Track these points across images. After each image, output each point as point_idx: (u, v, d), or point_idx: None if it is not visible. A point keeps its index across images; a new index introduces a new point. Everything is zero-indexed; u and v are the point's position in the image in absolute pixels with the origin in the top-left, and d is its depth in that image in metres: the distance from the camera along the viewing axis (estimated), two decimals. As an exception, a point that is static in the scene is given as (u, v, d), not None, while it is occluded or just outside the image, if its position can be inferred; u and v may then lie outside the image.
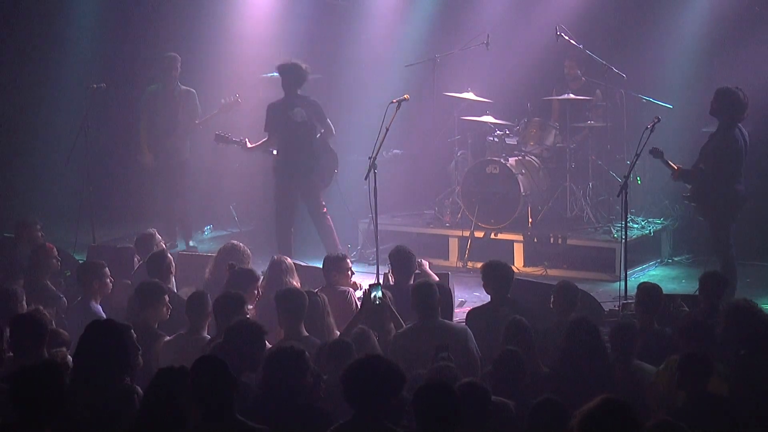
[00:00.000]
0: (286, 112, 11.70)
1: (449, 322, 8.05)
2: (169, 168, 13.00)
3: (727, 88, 10.69)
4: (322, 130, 11.85)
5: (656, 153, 10.48)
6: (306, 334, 7.81)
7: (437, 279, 9.26)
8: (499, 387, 6.60)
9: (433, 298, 7.89)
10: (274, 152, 11.88)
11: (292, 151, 11.75)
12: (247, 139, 11.90)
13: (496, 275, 8.61)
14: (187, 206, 13.25)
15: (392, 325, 8.14)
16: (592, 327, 7.35)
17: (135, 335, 6.58)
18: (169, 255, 9.49)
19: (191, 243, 13.21)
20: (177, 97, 12.91)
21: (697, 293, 8.91)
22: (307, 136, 11.76)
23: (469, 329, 7.90)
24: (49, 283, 9.44)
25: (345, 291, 9.00)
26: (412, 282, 9.04)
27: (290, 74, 11.69)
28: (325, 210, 11.93)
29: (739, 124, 10.64)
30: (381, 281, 9.65)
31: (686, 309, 8.74)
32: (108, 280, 8.82)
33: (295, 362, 6.28)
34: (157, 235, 10.50)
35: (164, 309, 8.13)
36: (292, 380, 6.24)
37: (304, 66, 11.72)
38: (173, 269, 9.34)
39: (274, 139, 11.77)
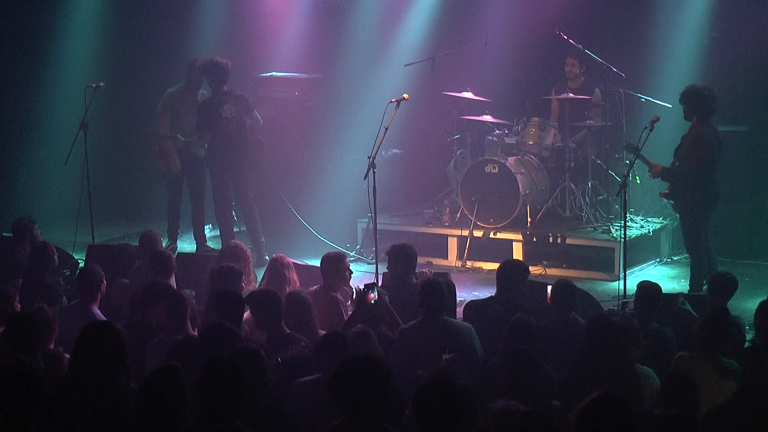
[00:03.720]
0: (216, 110, 12.25)
1: (453, 319, 8.04)
2: (192, 170, 12.93)
3: (692, 86, 10.75)
4: (250, 122, 12.46)
5: (630, 148, 10.58)
6: (288, 331, 7.79)
7: None
8: (511, 387, 6.54)
9: (440, 296, 7.86)
10: (206, 146, 12.57)
11: (223, 148, 12.34)
12: (178, 135, 12.57)
13: (506, 273, 8.62)
14: (203, 206, 13.19)
15: (386, 325, 8.11)
16: (613, 324, 7.34)
17: (125, 333, 6.56)
18: (172, 255, 9.51)
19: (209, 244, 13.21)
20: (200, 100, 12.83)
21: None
22: (236, 132, 12.33)
23: (472, 327, 7.90)
24: (52, 281, 9.45)
25: (335, 295, 8.97)
26: (414, 280, 9.07)
27: (212, 72, 12.23)
28: (252, 202, 12.63)
29: (712, 123, 10.67)
30: (381, 280, 9.67)
31: (689, 307, 8.75)
32: (103, 286, 8.79)
33: (252, 362, 6.23)
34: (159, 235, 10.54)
35: (164, 313, 8.07)
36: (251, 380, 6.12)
37: (224, 62, 12.26)
38: (175, 268, 9.33)
39: (204, 136, 12.42)
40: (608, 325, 7.30)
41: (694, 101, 10.55)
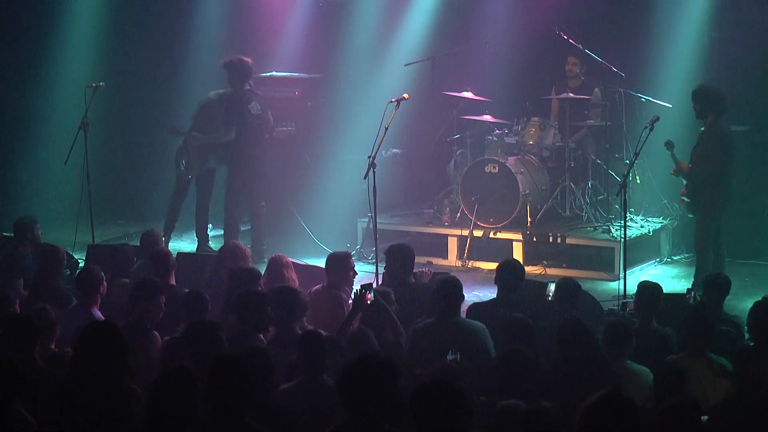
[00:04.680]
0: (245, 106, 12.30)
1: (468, 319, 8.04)
2: (205, 174, 12.91)
3: (704, 86, 10.78)
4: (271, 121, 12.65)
5: (669, 146, 10.66)
6: (299, 332, 7.77)
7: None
8: (505, 387, 6.54)
9: (457, 296, 7.92)
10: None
11: (249, 144, 12.36)
12: (194, 132, 12.44)
13: (505, 274, 8.62)
14: (208, 206, 13.13)
15: (389, 325, 8.11)
16: (584, 328, 7.34)
17: (124, 333, 6.57)
18: (171, 253, 9.51)
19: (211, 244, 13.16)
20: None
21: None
22: (259, 129, 12.42)
23: (486, 328, 7.89)
24: (61, 284, 9.45)
25: (338, 293, 8.97)
26: (412, 279, 9.08)
27: (238, 69, 12.24)
28: (263, 203, 12.65)
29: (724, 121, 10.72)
30: (380, 280, 9.67)
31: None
32: (103, 287, 8.79)
33: (260, 362, 6.22)
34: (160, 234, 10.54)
35: (156, 309, 8.05)
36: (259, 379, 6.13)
37: (248, 60, 12.35)
38: (174, 266, 9.33)
39: (231, 132, 12.34)
40: (576, 327, 7.30)
41: (709, 99, 10.58)
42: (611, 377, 7.05)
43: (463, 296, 8.08)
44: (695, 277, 10.91)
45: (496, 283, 8.72)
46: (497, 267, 8.83)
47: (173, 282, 9.10)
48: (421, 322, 7.98)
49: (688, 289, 9.12)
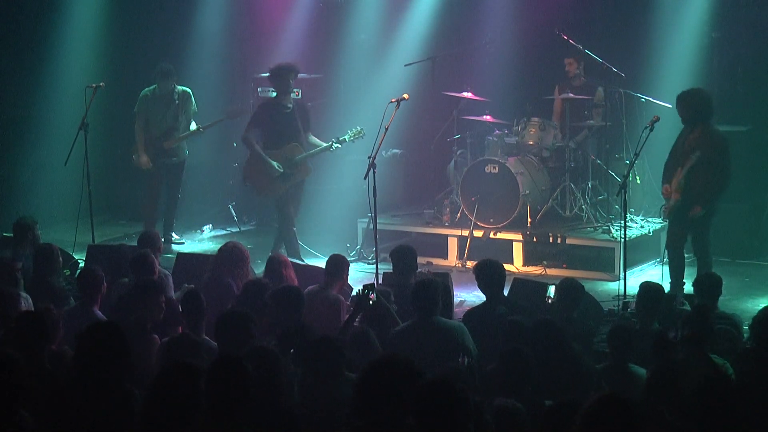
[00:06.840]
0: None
1: (446, 319, 8.01)
2: (173, 170, 12.95)
3: (690, 90, 10.65)
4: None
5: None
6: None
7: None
8: (506, 387, 6.53)
9: (433, 297, 7.82)
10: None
11: None
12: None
13: (490, 274, 8.58)
14: (176, 204, 13.18)
15: (391, 325, 8.12)
16: (555, 330, 7.34)
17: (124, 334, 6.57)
18: (148, 254, 9.48)
19: (178, 238, 13.18)
20: (177, 100, 12.83)
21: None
22: None
23: (464, 326, 7.88)
24: (57, 283, 9.45)
25: (338, 296, 8.96)
26: (413, 280, 9.08)
27: (293, 75, 12.06)
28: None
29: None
30: (381, 280, 9.68)
31: (688, 308, 8.73)
32: (103, 287, 8.80)
33: (267, 363, 6.21)
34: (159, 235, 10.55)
35: (158, 309, 8.07)
36: (269, 380, 6.13)
37: (298, 67, 12.18)
38: (154, 268, 9.32)
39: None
40: (550, 328, 7.30)
41: (699, 103, 10.43)
42: (584, 378, 7.06)
43: (447, 297, 8.04)
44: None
45: (481, 287, 8.66)
46: (476, 272, 8.68)
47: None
48: (399, 325, 7.97)
49: (675, 294, 9.10)
